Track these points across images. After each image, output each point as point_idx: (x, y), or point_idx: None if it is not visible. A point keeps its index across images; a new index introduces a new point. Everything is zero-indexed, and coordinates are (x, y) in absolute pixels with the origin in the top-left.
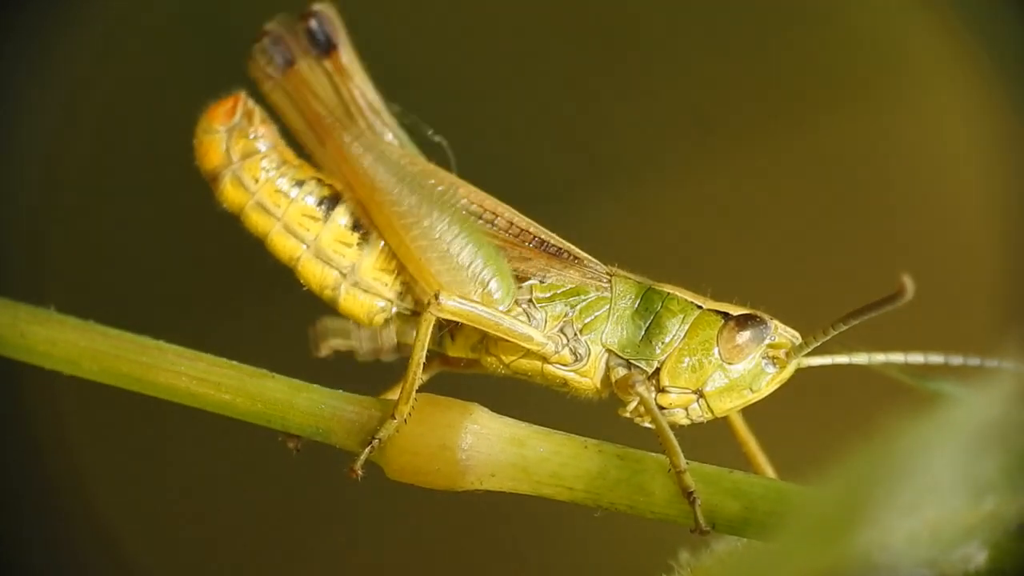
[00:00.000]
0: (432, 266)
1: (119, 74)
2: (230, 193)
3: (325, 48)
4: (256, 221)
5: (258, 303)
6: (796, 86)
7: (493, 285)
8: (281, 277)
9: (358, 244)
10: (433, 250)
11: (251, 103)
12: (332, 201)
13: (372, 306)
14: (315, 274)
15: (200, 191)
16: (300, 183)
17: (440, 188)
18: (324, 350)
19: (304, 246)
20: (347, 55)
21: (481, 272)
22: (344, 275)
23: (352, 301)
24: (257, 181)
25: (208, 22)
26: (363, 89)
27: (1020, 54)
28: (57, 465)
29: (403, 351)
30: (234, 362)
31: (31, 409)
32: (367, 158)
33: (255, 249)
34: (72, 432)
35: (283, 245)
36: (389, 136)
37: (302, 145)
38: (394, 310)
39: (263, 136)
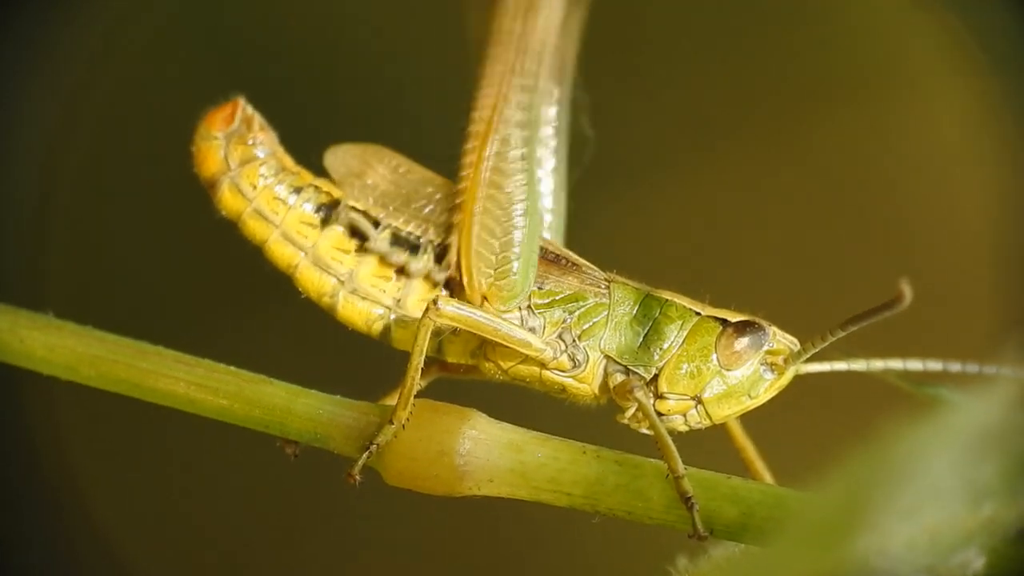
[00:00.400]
0: (480, 229)
1: (118, 76)
2: (228, 200)
3: None
4: (254, 228)
5: (256, 308)
6: (795, 87)
7: (516, 277)
8: (279, 282)
9: (356, 251)
10: (493, 216)
11: (249, 109)
12: (330, 208)
13: (370, 313)
14: (313, 281)
15: (199, 196)
16: (298, 190)
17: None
18: None
19: (302, 253)
20: (576, 20)
21: (515, 260)
22: (342, 282)
23: (350, 308)
24: (255, 188)
25: (208, 24)
26: (566, 48)
27: (1019, 54)
28: (55, 469)
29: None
30: (232, 367)
31: (29, 413)
32: (518, 101)
33: (254, 254)
34: (70, 436)
35: (281, 252)
36: (553, 95)
37: (477, 48)
38: (392, 317)
39: (261, 142)
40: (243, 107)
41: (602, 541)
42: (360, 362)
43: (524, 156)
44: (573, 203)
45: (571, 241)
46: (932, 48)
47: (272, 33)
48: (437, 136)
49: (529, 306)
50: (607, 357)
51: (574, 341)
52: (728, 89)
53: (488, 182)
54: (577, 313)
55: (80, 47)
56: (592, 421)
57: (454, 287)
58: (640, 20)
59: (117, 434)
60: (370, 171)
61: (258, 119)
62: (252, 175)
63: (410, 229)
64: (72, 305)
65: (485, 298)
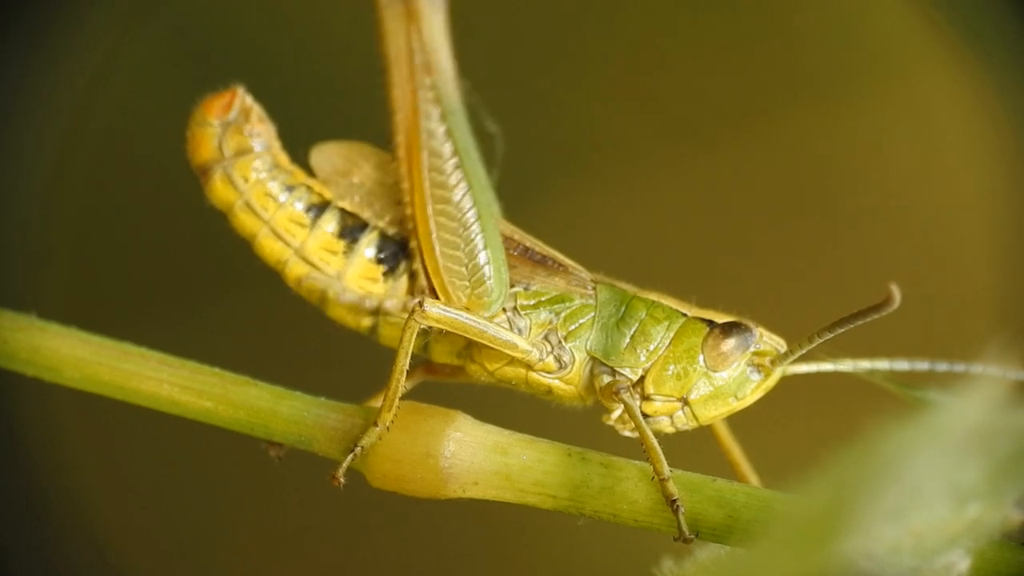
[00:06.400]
0: (441, 246)
1: (117, 81)
2: (219, 190)
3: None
4: (244, 222)
5: (242, 310)
6: (780, 82)
7: (491, 282)
8: (265, 284)
9: (344, 252)
10: (449, 230)
11: (249, 100)
12: (320, 209)
13: (360, 309)
14: (302, 278)
15: (185, 198)
16: (290, 188)
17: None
18: None
19: (291, 250)
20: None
21: (485, 265)
22: (330, 280)
23: (339, 305)
24: (247, 181)
25: (208, 35)
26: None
27: (1011, 48)
28: (46, 470)
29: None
30: (217, 369)
31: (19, 414)
32: (434, 112)
33: (239, 256)
34: (61, 437)
35: (270, 248)
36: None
37: (387, 74)
38: (380, 315)
39: (258, 135)
40: (242, 97)
41: (588, 544)
42: (345, 364)
43: (458, 164)
44: (560, 197)
45: (554, 241)
46: (924, 45)
47: (266, 31)
48: None
49: (515, 307)
50: (593, 358)
51: (560, 342)
52: (711, 85)
53: (433, 199)
54: (563, 314)
55: (78, 61)
56: (578, 423)
57: None
58: (620, 15)
59: (108, 433)
60: (356, 170)
61: (257, 110)
62: (245, 168)
63: (396, 230)
64: (56, 306)
65: (467, 308)
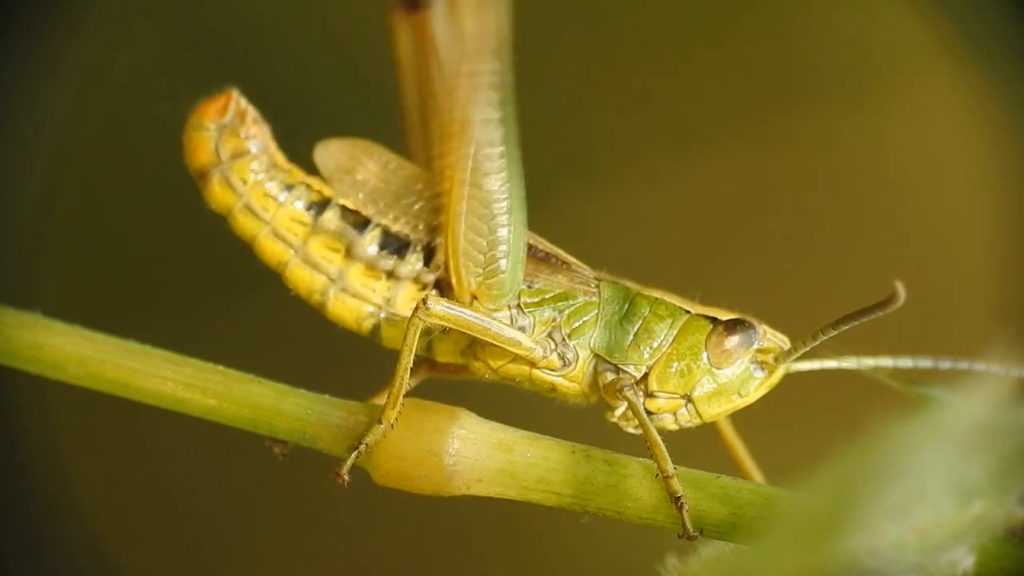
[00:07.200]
0: (467, 227)
1: (116, 78)
2: (218, 193)
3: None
4: (244, 224)
5: (245, 307)
6: (782, 85)
7: (504, 276)
8: (267, 281)
9: (346, 251)
10: (478, 215)
11: (244, 102)
12: (320, 207)
13: (360, 311)
14: (303, 279)
15: (187, 195)
16: (289, 187)
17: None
18: None
19: (292, 251)
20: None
21: (503, 257)
22: (332, 280)
23: (340, 306)
24: (246, 183)
25: (202, 25)
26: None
27: (1010, 51)
28: (46, 470)
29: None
30: (221, 367)
31: (19, 414)
32: (485, 97)
33: (242, 252)
34: (61, 437)
35: (271, 249)
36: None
37: (423, 76)
38: (382, 315)
39: (254, 137)
40: (237, 99)
41: (591, 541)
42: (349, 361)
43: (503, 154)
44: (562, 200)
45: (558, 239)
46: (924, 47)
47: (265, 29)
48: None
49: (519, 305)
50: (597, 356)
51: (564, 340)
52: (713, 89)
53: (470, 181)
54: (567, 312)
55: (78, 56)
56: (582, 420)
57: (443, 286)
58: (623, 21)
59: (108, 431)
60: (360, 167)
61: (252, 112)
62: (243, 170)
63: (399, 228)
64: (60, 305)
65: (475, 297)
